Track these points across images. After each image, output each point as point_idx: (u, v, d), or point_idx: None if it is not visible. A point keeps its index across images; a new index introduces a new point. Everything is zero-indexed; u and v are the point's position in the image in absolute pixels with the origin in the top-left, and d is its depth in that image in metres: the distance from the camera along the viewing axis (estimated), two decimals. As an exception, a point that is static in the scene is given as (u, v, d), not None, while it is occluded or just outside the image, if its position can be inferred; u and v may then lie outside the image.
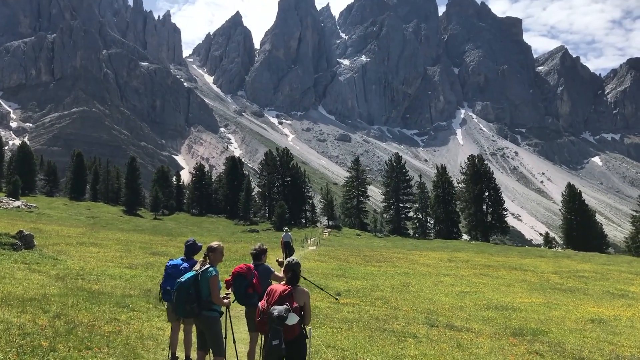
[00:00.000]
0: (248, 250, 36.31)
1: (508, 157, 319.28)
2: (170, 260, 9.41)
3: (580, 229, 73.10)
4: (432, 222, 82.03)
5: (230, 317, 8.29)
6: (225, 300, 7.71)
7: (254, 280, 8.31)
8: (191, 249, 9.13)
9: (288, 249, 30.84)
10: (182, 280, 7.64)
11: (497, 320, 14.47)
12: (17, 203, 59.60)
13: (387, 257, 35.37)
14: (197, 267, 7.78)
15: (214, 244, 7.90)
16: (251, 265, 8.56)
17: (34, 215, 51.79)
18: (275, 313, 6.32)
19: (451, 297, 18.22)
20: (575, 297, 19.92)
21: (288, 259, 7.07)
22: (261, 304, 6.75)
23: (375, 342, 11.04)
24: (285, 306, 6.41)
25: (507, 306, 16.76)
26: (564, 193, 78.18)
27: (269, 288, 6.86)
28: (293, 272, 6.86)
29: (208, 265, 7.68)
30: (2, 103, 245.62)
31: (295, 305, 6.54)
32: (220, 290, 7.81)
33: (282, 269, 7.19)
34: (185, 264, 8.96)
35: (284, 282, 6.90)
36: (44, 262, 18.05)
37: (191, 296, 7.48)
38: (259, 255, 8.76)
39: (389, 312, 14.60)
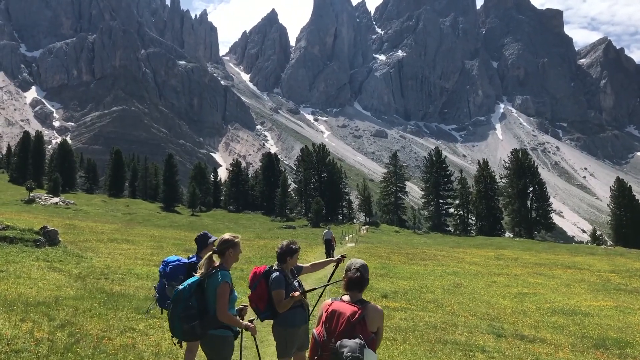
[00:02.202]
0: (276, 249, 34.84)
1: (549, 152, 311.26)
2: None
3: (630, 225, 69.85)
4: (473, 218, 79.65)
5: (243, 339, 6.09)
6: (243, 323, 5.62)
7: (251, 295, 6.27)
8: (202, 243, 7.08)
9: (329, 246, 29.71)
10: (181, 288, 5.55)
11: (569, 327, 12.84)
12: (56, 200, 60.10)
13: (431, 255, 33.84)
14: (200, 268, 5.66)
15: (227, 235, 5.80)
16: (262, 269, 6.40)
17: (71, 211, 51.96)
18: (347, 354, 4.36)
19: (510, 300, 16.64)
20: (646, 300, 18.12)
21: (350, 261, 5.07)
22: (317, 331, 4.71)
23: (439, 358, 9.43)
24: (358, 341, 4.42)
25: (575, 310, 15.11)
26: (613, 188, 74.98)
27: (329, 308, 4.72)
28: (359, 281, 4.84)
29: (216, 268, 5.60)
30: (46, 103, 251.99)
31: (370, 334, 4.57)
32: (235, 307, 5.78)
33: (340, 275, 5.24)
34: (178, 261, 7.04)
35: (345, 297, 4.84)
36: (67, 259, 17.17)
37: (191, 311, 5.43)
38: (283, 256, 6.41)
39: (446, 318, 13.06)
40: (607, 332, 12.41)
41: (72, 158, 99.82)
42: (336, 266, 6.65)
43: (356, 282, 4.81)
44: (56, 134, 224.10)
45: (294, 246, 6.49)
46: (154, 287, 7.49)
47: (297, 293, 6.19)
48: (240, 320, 5.64)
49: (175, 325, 5.51)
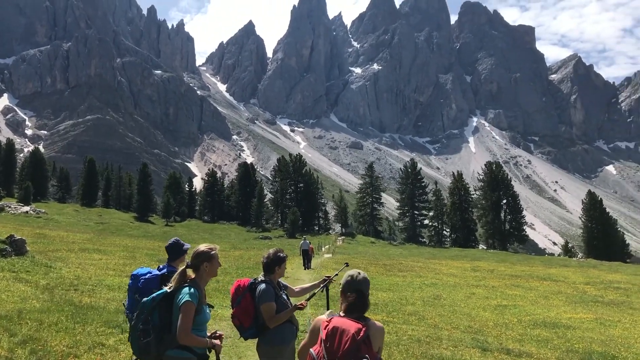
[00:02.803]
0: (262, 258, 34.63)
1: (521, 165, 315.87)
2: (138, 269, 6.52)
3: (601, 237, 71.06)
4: (448, 230, 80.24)
5: None
6: (210, 341, 4.89)
7: (236, 310, 5.70)
8: (174, 252, 6.32)
9: (306, 257, 29.50)
10: (145, 299, 4.97)
11: (554, 341, 12.83)
12: (26, 208, 58.76)
13: (408, 266, 33.87)
14: (172, 281, 5.00)
15: (203, 247, 5.11)
16: (246, 281, 5.81)
17: (41, 220, 50.83)
18: None
19: (490, 312, 16.66)
20: (623, 312, 18.35)
21: (350, 273, 4.37)
22: (316, 351, 4.12)
23: (426, 374, 9.12)
24: None
25: (557, 323, 15.17)
26: (585, 201, 76.16)
27: (329, 325, 4.08)
28: (359, 295, 4.24)
29: (187, 284, 4.89)
30: (18, 111, 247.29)
31: (376, 354, 4.04)
32: (206, 329, 5.02)
33: (338, 290, 4.48)
34: (149, 273, 6.20)
35: (341, 312, 4.25)
36: (34, 270, 16.54)
37: (148, 325, 4.84)
38: (271, 266, 5.86)
39: (429, 331, 12.92)
40: (592, 346, 12.43)
41: (44, 167, 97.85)
42: (324, 287, 6.06)
43: (357, 307, 4.19)
44: (29, 143, 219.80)
45: (281, 254, 5.99)
46: (123, 303, 6.62)
47: (304, 302, 5.73)
48: (205, 339, 4.88)
49: (132, 340, 4.95)
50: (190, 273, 5.07)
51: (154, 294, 4.99)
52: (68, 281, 15.52)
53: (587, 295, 22.52)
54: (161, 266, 6.41)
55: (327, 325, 4.12)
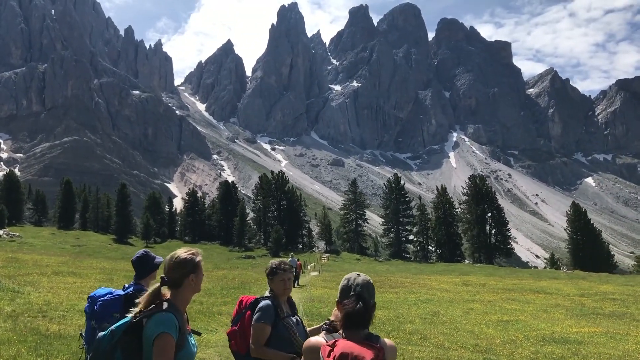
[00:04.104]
0: (247, 277, 33.71)
1: (502, 179, 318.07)
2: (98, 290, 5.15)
3: (587, 249, 70.89)
4: (433, 245, 79.56)
5: None
6: None
7: (231, 331, 4.77)
8: (143, 267, 5.09)
9: (294, 275, 28.42)
10: (101, 335, 3.56)
11: (569, 358, 11.90)
12: (-1, 232, 56.89)
13: (397, 282, 32.90)
14: (138, 306, 3.57)
15: (184, 254, 3.66)
16: (250, 298, 4.88)
17: (15, 244, 49.02)
18: None
19: (494, 329, 15.73)
20: (628, 324, 17.55)
21: (347, 276, 3.45)
22: None
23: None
24: None
25: (566, 338, 14.27)
26: (569, 212, 76.12)
27: (336, 352, 3.04)
28: (362, 314, 3.21)
29: (158, 309, 3.49)
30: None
31: None
32: None
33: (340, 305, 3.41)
34: (109, 294, 4.92)
35: (341, 330, 3.26)
36: (0, 295, 15.34)
37: None
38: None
39: (437, 352, 11.88)
40: (611, 363, 11.54)
41: (20, 189, 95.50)
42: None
43: (358, 316, 3.17)
44: (4, 166, 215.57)
45: (285, 265, 4.94)
46: (81, 333, 5.20)
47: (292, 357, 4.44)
48: None
49: None
50: (165, 291, 3.61)
51: (114, 326, 3.52)
52: (37, 307, 14.23)
53: (585, 307, 21.75)
54: (127, 285, 5.07)
55: (332, 351, 3.10)
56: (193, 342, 3.67)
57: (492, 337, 14.19)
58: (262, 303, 4.64)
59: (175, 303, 3.55)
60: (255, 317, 4.55)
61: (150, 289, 3.63)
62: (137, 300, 3.60)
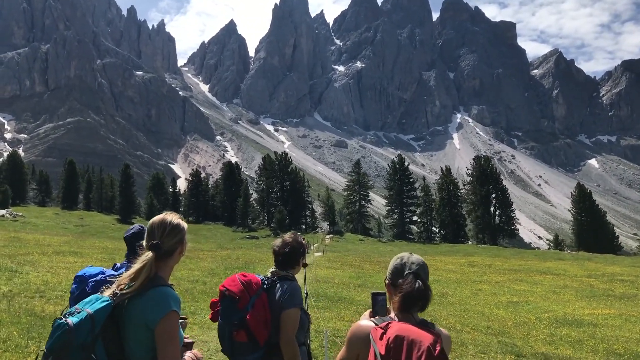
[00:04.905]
0: (251, 257, 33.50)
1: (505, 160, 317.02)
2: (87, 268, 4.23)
3: (591, 230, 70.61)
4: (437, 226, 79.39)
5: None
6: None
7: (250, 317, 3.77)
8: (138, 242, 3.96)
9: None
10: (76, 321, 2.70)
11: (587, 342, 11.68)
12: (2, 212, 56.87)
13: (402, 262, 32.68)
14: (115, 284, 2.99)
15: (174, 218, 3.18)
16: (258, 278, 4.03)
17: (18, 224, 48.96)
18: None
19: (504, 310, 15.54)
20: None
21: (399, 255, 3.14)
22: None
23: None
24: None
25: (580, 320, 14.06)
26: (574, 193, 75.70)
27: (390, 334, 2.70)
28: (423, 296, 2.93)
29: (158, 284, 2.95)
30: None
31: None
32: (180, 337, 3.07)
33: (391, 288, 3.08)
34: (101, 274, 3.99)
35: (394, 312, 2.97)
36: None
37: None
38: (294, 257, 4.18)
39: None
40: (631, 346, 11.25)
41: (23, 170, 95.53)
42: None
43: (418, 296, 2.90)
44: (8, 147, 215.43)
45: (301, 238, 4.32)
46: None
47: None
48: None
49: None
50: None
51: (91, 310, 2.76)
52: (34, 287, 13.85)
53: (595, 289, 21.58)
54: (118, 264, 4.46)
55: (384, 333, 2.76)
56: (181, 331, 3.18)
57: (504, 318, 13.99)
58: (292, 284, 4.00)
59: (162, 276, 3.02)
60: (290, 300, 3.87)
61: (143, 260, 2.97)
62: (124, 275, 3.01)
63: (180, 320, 3.17)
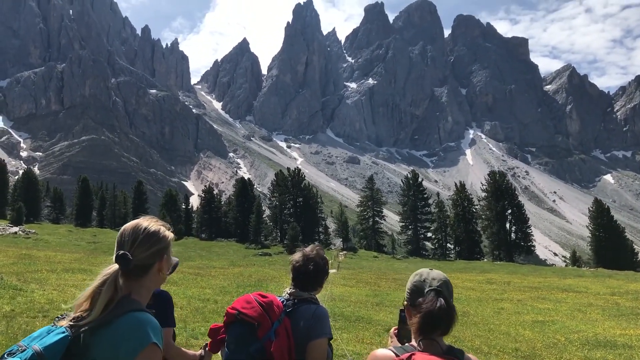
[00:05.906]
0: (264, 275, 32.99)
1: (519, 176, 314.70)
2: None
3: (609, 246, 69.24)
4: (451, 242, 78.30)
5: None
6: None
7: (275, 348, 3.02)
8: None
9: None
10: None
11: (624, 366, 11.03)
12: (15, 229, 56.85)
13: (419, 279, 31.99)
14: (78, 307, 2.26)
15: (152, 224, 2.43)
16: (279, 300, 3.32)
17: (30, 241, 48.84)
18: None
19: (530, 330, 14.85)
20: (671, 325, 16.54)
21: (417, 272, 2.80)
22: None
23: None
24: None
25: (613, 342, 13.33)
26: (591, 209, 74.37)
27: None
28: (447, 316, 2.51)
29: (132, 310, 2.22)
30: (13, 133, 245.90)
31: None
32: None
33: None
34: None
35: (415, 337, 2.55)
36: (0, 293, 14.58)
37: None
38: (319, 277, 3.50)
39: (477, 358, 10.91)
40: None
41: (37, 187, 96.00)
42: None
43: (441, 317, 2.48)
44: (24, 165, 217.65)
45: (322, 253, 3.56)
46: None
47: None
48: None
49: None
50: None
51: (39, 347, 2.05)
52: (38, 306, 13.33)
53: (622, 307, 20.76)
54: None
55: None
56: None
57: (532, 339, 13.31)
58: (319, 309, 3.32)
59: (137, 299, 2.30)
60: (320, 329, 3.20)
61: (103, 275, 2.32)
62: (80, 296, 2.29)
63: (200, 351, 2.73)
